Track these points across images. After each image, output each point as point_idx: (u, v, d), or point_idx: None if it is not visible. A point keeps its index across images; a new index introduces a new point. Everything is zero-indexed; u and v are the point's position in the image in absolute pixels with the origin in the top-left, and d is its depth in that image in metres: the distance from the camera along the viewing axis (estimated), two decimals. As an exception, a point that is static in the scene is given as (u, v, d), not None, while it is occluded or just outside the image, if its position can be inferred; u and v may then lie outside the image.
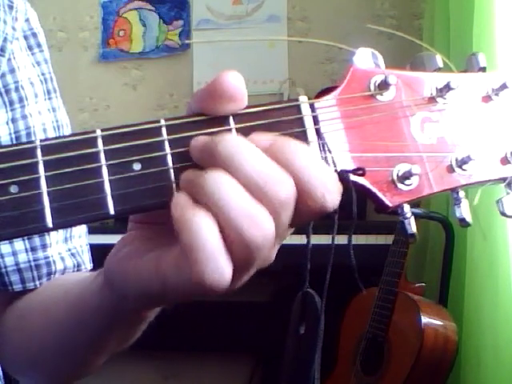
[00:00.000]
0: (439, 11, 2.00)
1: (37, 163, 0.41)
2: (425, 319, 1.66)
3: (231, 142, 0.39)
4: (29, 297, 0.69)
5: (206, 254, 0.38)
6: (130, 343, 0.59)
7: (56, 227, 0.41)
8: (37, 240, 0.68)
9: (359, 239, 1.96)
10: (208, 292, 0.39)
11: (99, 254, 0.75)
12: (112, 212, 0.41)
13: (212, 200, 0.38)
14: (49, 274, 0.69)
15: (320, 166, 0.40)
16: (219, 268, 0.38)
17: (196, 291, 0.40)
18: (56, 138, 0.42)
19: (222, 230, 0.38)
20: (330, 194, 0.39)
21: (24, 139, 0.68)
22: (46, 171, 0.41)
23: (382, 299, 1.75)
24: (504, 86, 0.44)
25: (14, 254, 0.68)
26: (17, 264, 0.68)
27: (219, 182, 0.38)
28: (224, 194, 0.38)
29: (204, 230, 0.38)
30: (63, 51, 2.69)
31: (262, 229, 0.38)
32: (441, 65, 0.44)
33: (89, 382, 0.79)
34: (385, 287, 1.75)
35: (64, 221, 0.41)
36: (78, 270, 0.71)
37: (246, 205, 0.38)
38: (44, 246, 0.69)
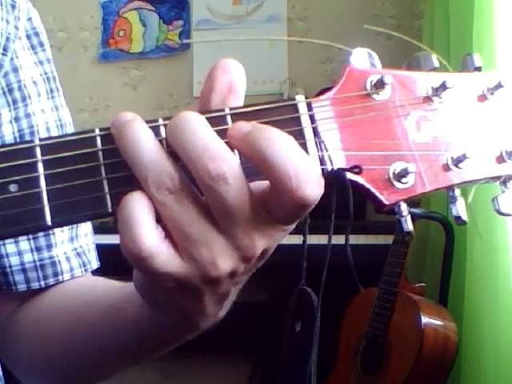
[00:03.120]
0: (439, 11, 2.00)
1: (36, 162, 0.41)
2: (425, 319, 1.66)
3: (184, 117, 0.40)
4: (45, 299, 0.69)
5: (124, 223, 0.40)
6: (154, 357, 0.59)
7: (55, 225, 0.41)
8: (42, 240, 0.69)
9: (359, 239, 1.96)
10: (144, 267, 0.40)
11: (99, 253, 0.75)
12: (110, 210, 0.41)
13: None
14: (55, 274, 0.69)
15: (297, 155, 0.39)
16: (136, 235, 0.39)
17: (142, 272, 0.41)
18: (55, 137, 0.43)
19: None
20: (307, 186, 0.39)
21: (28, 138, 0.68)
22: (45, 170, 0.41)
23: (382, 299, 1.75)
24: (499, 86, 0.44)
25: (20, 253, 0.68)
26: (22, 264, 0.68)
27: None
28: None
29: (127, 204, 0.40)
30: (63, 51, 2.69)
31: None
32: (437, 64, 0.44)
33: (89, 382, 0.79)
34: (385, 287, 1.75)
35: (63, 219, 0.41)
36: (85, 270, 0.71)
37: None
38: (49, 246, 0.69)
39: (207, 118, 0.41)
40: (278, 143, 0.39)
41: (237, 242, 0.41)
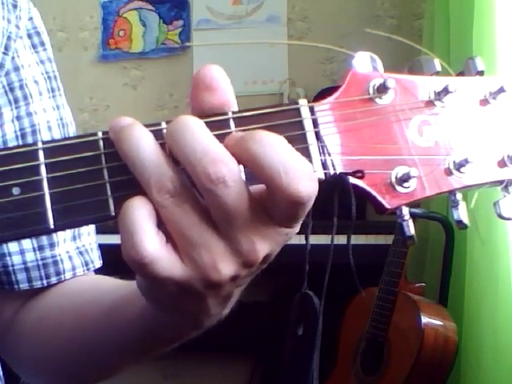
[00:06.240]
0: (439, 11, 2.00)
1: (39, 165, 0.41)
2: (425, 319, 1.66)
3: (182, 120, 0.41)
4: (47, 299, 0.69)
5: (126, 231, 0.40)
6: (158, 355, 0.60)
7: (57, 229, 0.41)
8: (44, 239, 0.69)
9: (359, 239, 1.96)
10: (145, 273, 0.41)
11: (100, 253, 0.75)
12: (113, 214, 0.41)
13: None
14: (57, 273, 0.69)
15: (288, 154, 0.39)
16: (138, 242, 0.40)
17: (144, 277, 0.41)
18: (58, 140, 0.43)
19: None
20: (300, 183, 0.39)
21: (29, 137, 0.69)
22: (47, 173, 0.41)
23: (382, 299, 1.75)
24: (501, 90, 0.44)
25: (22, 252, 0.68)
26: (24, 263, 0.68)
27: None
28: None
29: (129, 211, 0.40)
30: (63, 51, 2.69)
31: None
32: (439, 69, 0.44)
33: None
34: (385, 287, 1.75)
35: (65, 222, 0.41)
36: (87, 269, 0.72)
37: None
38: (52, 245, 0.69)
39: (210, 122, 0.41)
40: (265, 143, 0.39)
41: (238, 247, 0.41)
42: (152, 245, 0.40)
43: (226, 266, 0.41)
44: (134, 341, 0.56)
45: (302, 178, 0.39)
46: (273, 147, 0.39)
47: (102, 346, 0.60)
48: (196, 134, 0.40)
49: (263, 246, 0.41)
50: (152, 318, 0.50)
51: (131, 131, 0.41)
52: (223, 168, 0.39)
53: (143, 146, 0.40)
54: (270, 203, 0.40)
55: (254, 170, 0.40)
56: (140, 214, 0.40)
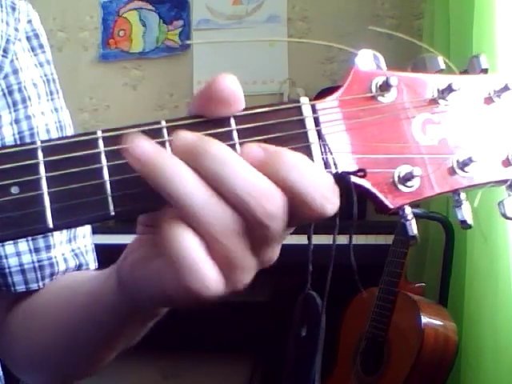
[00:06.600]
0: (439, 11, 2.00)
1: (38, 164, 0.41)
2: (425, 319, 1.66)
3: (219, 156, 0.39)
4: (36, 297, 0.69)
5: (188, 266, 0.39)
6: (140, 338, 0.60)
7: (57, 228, 0.41)
8: (41, 241, 0.69)
9: (359, 239, 1.96)
10: (199, 299, 0.40)
11: (99, 253, 0.75)
12: (112, 213, 0.41)
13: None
14: (51, 274, 0.69)
15: (316, 175, 0.39)
16: (202, 277, 0.39)
17: (191, 300, 0.41)
18: (57, 138, 0.42)
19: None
20: (329, 202, 0.40)
21: (28, 140, 0.69)
22: (46, 172, 0.41)
23: (382, 299, 1.75)
24: (506, 88, 0.44)
25: (18, 254, 0.68)
26: (20, 265, 0.68)
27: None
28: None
29: (185, 243, 0.39)
30: (63, 51, 2.69)
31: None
32: (442, 66, 0.44)
33: (88, 382, 0.79)
34: (385, 287, 1.75)
35: (65, 222, 0.41)
36: (79, 270, 0.72)
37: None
38: (48, 247, 0.69)
39: (210, 121, 0.41)
40: (292, 169, 0.39)
41: (265, 259, 0.42)
42: (213, 275, 0.40)
43: (250, 277, 0.42)
44: (112, 328, 0.56)
45: (331, 197, 0.40)
46: (300, 172, 0.39)
47: (83, 339, 0.61)
48: (238, 169, 0.39)
49: (278, 250, 0.42)
50: (125, 304, 0.50)
51: (165, 163, 0.39)
52: (275, 202, 0.39)
53: (184, 180, 0.38)
54: (297, 217, 0.40)
55: (285, 192, 0.39)
56: (194, 244, 0.39)
